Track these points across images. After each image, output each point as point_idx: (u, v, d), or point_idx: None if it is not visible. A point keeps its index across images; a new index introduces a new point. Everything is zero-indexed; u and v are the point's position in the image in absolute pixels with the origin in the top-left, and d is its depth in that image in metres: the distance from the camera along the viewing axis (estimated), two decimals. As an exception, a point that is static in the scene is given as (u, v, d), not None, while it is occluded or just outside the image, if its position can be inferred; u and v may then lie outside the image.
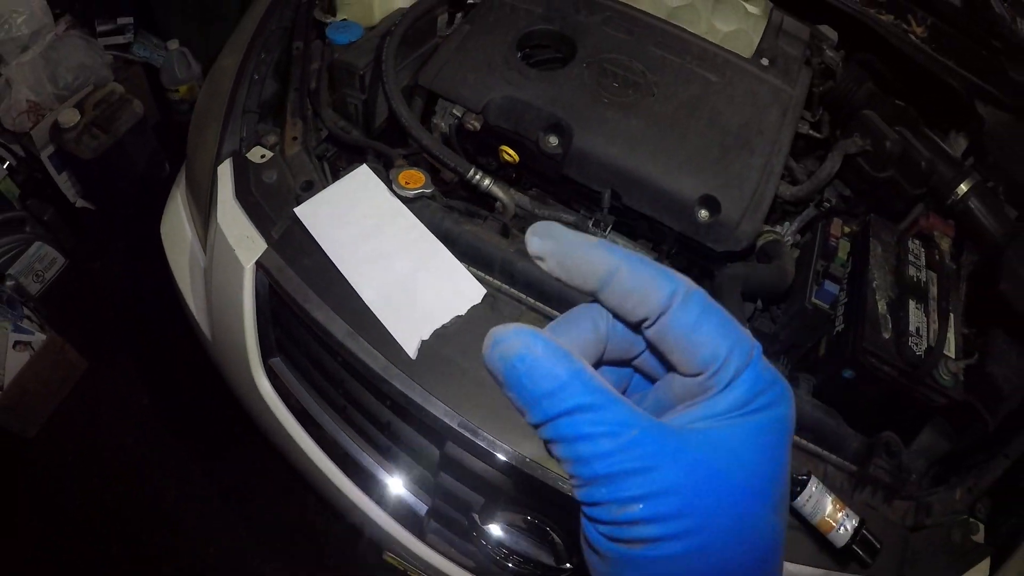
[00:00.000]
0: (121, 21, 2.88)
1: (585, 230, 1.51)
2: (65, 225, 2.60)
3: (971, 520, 1.23)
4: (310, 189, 1.36)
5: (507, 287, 1.29)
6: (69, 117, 2.46)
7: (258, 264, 1.28)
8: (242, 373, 1.41)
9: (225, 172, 1.43)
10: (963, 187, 1.56)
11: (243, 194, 1.37)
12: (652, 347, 0.39)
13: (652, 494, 0.32)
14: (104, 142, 2.55)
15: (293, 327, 1.30)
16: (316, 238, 1.25)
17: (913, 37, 1.79)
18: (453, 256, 1.24)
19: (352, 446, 1.36)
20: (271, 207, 1.35)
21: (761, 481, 0.35)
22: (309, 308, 1.21)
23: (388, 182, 1.32)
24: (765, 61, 1.65)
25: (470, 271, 1.23)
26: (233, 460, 2.14)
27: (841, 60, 1.83)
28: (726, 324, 0.36)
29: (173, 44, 2.79)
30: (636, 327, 0.38)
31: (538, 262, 0.38)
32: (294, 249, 1.27)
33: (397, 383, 1.15)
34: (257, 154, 1.45)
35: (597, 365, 0.40)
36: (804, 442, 1.21)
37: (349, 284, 1.21)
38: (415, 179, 1.29)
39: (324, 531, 2.02)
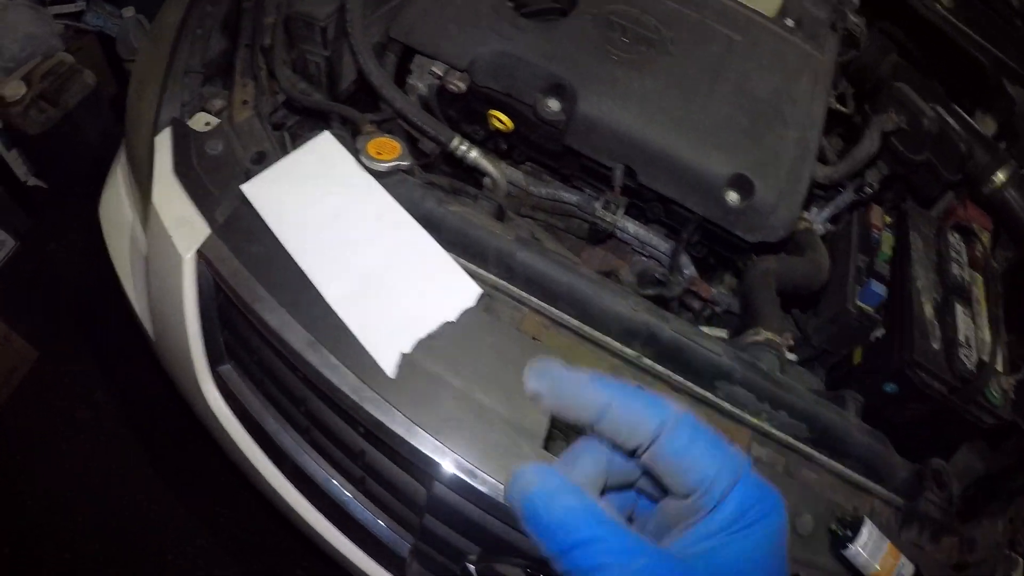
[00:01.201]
0: (73, -13, 2.47)
1: (591, 212, 1.21)
2: (16, 205, 2.24)
3: (1013, 555, 0.99)
4: (262, 162, 1.04)
5: (504, 283, 0.99)
6: (14, 90, 2.13)
7: (199, 253, 0.96)
8: (187, 380, 1.10)
9: (164, 143, 1.10)
10: (1000, 176, 1.28)
11: (183, 168, 1.05)
12: (647, 472, 0.39)
13: None
14: (53, 116, 2.21)
15: (244, 330, 0.99)
16: (268, 221, 0.94)
17: (939, 6, 1.50)
18: (439, 246, 0.93)
19: (318, 471, 1.06)
20: (215, 183, 1.03)
21: None
22: (259, 309, 0.90)
23: (356, 153, 1.00)
24: (790, 22, 1.36)
25: (460, 264, 0.93)
26: (197, 461, 1.82)
27: (865, 27, 1.53)
28: (714, 445, 0.36)
29: (128, 11, 2.40)
30: (632, 455, 0.38)
31: (535, 399, 0.38)
32: (241, 235, 0.96)
33: (371, 408, 0.85)
34: (200, 121, 1.12)
35: (603, 492, 0.40)
36: (853, 474, 0.95)
37: (309, 280, 0.90)
38: (388, 148, 0.97)
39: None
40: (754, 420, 0.92)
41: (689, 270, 1.27)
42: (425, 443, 0.82)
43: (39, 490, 1.77)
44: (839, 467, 0.95)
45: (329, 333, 0.87)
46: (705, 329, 1.16)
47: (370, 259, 0.92)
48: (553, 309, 1.00)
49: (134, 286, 1.22)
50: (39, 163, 2.29)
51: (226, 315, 1.01)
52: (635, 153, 1.14)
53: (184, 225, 0.99)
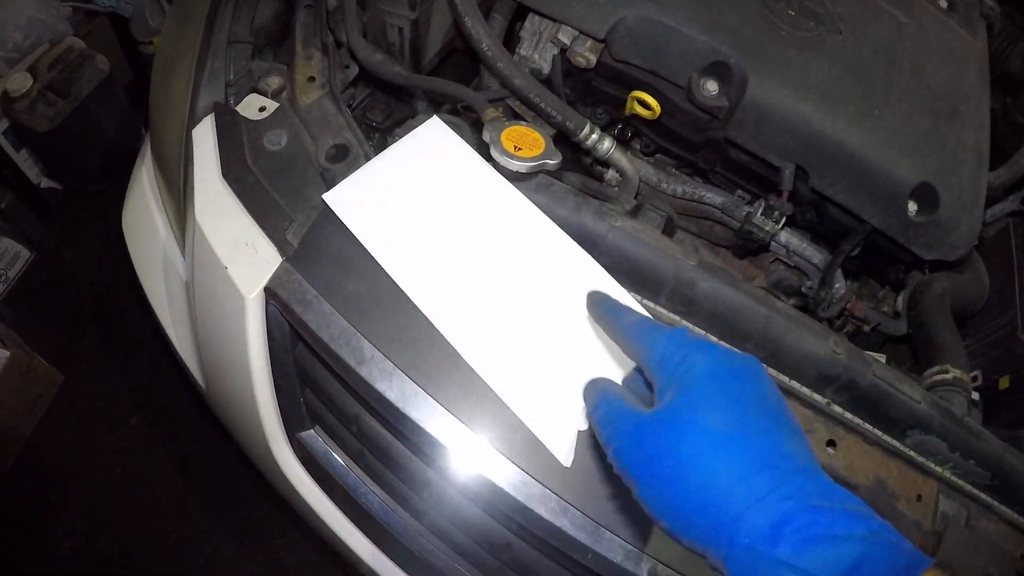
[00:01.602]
0: (80, -37, 2.15)
1: (741, 218, 0.94)
2: (29, 212, 1.95)
3: None
4: (343, 158, 0.74)
5: (684, 322, 0.70)
6: (19, 83, 1.83)
7: (267, 291, 0.67)
8: (255, 445, 0.81)
9: (204, 137, 0.81)
10: None
11: (235, 172, 0.75)
12: None
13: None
14: (63, 109, 1.91)
15: (338, 395, 0.70)
16: (366, 244, 0.65)
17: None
18: (613, 280, 0.64)
19: (437, 556, 0.77)
20: (282, 192, 0.73)
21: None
22: (367, 375, 0.61)
23: (478, 146, 0.70)
24: (944, 2, 1.07)
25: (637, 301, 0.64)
26: (239, 492, 1.55)
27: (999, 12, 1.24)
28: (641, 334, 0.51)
29: (143, -13, 2.08)
30: None
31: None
32: (327, 264, 0.67)
33: (545, 513, 0.56)
34: (253, 106, 0.83)
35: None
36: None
37: (434, 329, 0.61)
38: (529, 141, 0.68)
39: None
40: (941, 472, 0.78)
41: (840, 284, 1.00)
42: (615, 550, 0.55)
43: (73, 522, 1.51)
44: (1016, 517, 0.80)
45: (470, 405, 0.59)
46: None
47: (521, 300, 0.63)
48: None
49: (172, 320, 0.93)
50: (51, 162, 2.00)
51: (309, 372, 0.72)
52: (812, 152, 0.87)
53: (242, 251, 0.70)
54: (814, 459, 0.43)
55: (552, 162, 0.67)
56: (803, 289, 1.04)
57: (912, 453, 0.80)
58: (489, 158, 0.69)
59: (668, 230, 0.74)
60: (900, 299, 1.10)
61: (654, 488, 0.42)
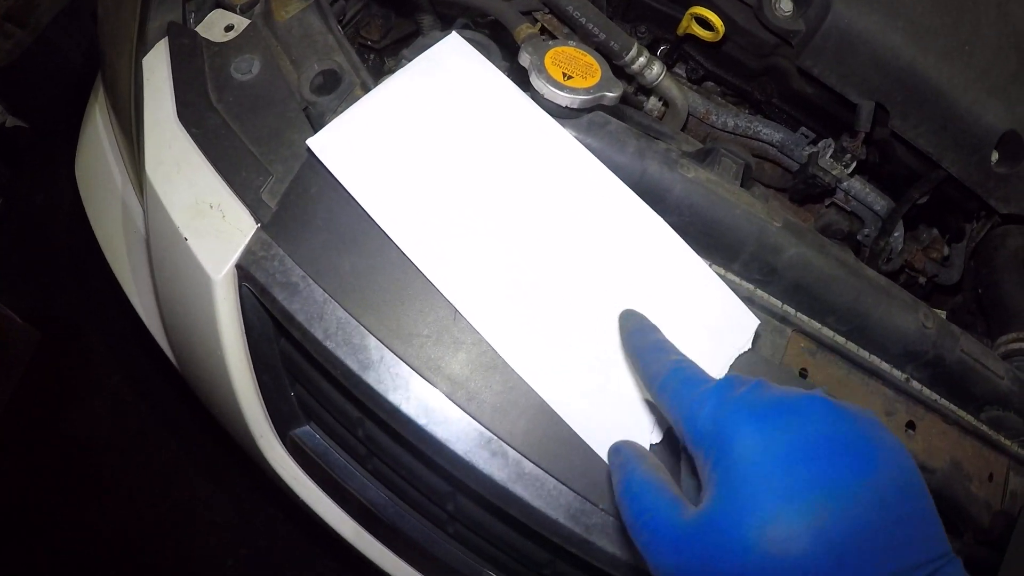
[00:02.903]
0: None
1: (796, 156, 0.77)
2: (-6, 154, 1.69)
3: None
4: (333, 89, 0.54)
5: (760, 292, 0.52)
6: None
7: (240, 271, 0.48)
8: (242, 440, 0.64)
9: (157, 67, 0.60)
10: None
11: (194, 112, 0.55)
12: None
13: None
14: (23, 40, 1.66)
15: (333, 392, 0.52)
16: (366, 206, 0.45)
17: None
18: (690, 249, 0.46)
19: (441, 547, 0.62)
20: (255, 136, 0.53)
21: None
22: (374, 381, 0.42)
23: (511, 71, 0.50)
24: None
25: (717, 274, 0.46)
26: (237, 454, 1.39)
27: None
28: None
29: None
30: None
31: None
32: (317, 232, 0.47)
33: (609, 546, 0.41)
34: (217, 25, 0.61)
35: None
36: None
37: (462, 319, 0.42)
38: (582, 67, 0.47)
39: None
40: (1014, 447, 0.68)
41: (899, 233, 0.85)
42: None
43: (61, 494, 1.35)
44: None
45: (512, 418, 0.42)
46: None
47: (569, 277, 0.44)
48: (818, 326, 0.56)
49: (136, 287, 0.74)
50: (14, 99, 1.73)
51: (300, 366, 0.53)
52: (898, 89, 0.69)
53: (206, 215, 0.50)
54: (945, 545, 0.30)
55: (612, 94, 0.47)
56: (859, 237, 0.87)
57: (987, 430, 0.69)
58: (526, 87, 0.49)
59: (746, 181, 0.55)
60: (952, 247, 0.95)
61: None
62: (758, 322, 0.48)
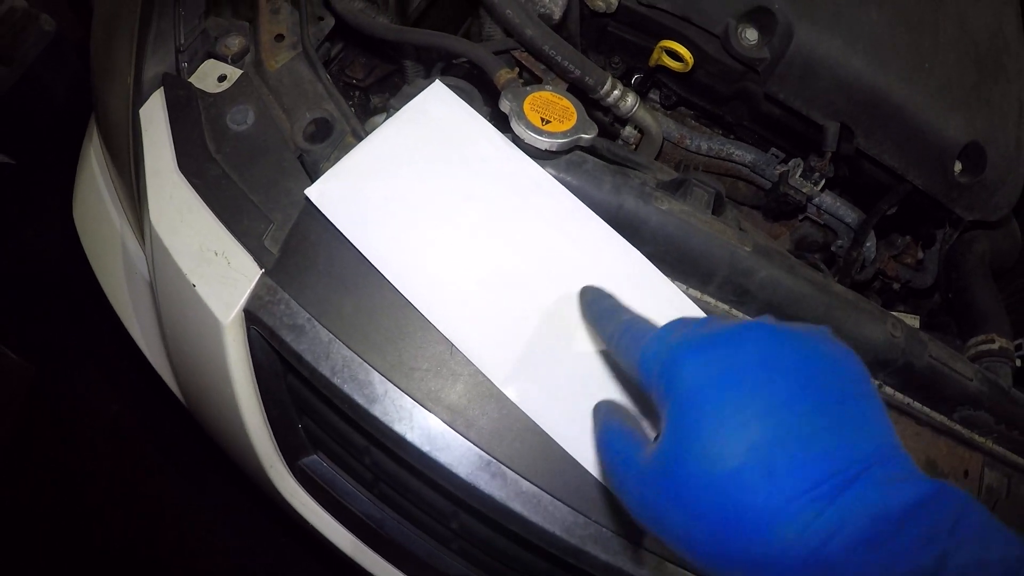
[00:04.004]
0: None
1: (768, 175, 0.83)
2: (-19, 188, 1.71)
3: None
4: (326, 137, 0.57)
5: (735, 311, 0.57)
6: None
7: (248, 315, 0.51)
8: (251, 470, 0.68)
9: (154, 118, 0.63)
10: None
11: (194, 162, 0.58)
12: None
13: None
14: (8, 77, 1.68)
15: (339, 423, 0.56)
16: (363, 250, 0.49)
17: None
18: (659, 272, 0.50)
19: (445, 562, 0.66)
20: (254, 184, 0.57)
21: None
22: (380, 413, 0.46)
23: (492, 116, 0.54)
24: None
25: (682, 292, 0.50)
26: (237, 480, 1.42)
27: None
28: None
29: (81, -68, 1.78)
30: None
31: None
32: (318, 276, 0.51)
33: (603, 555, 0.45)
34: (212, 75, 0.65)
35: None
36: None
37: (458, 352, 0.46)
38: (559, 111, 0.51)
39: None
40: (987, 443, 0.72)
41: (871, 243, 0.91)
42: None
43: (59, 522, 1.37)
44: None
45: (508, 442, 0.45)
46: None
47: (557, 309, 0.48)
48: None
49: (141, 329, 0.77)
50: (0, 135, 1.75)
51: (307, 400, 0.57)
52: (861, 109, 0.74)
53: (211, 263, 0.54)
54: (889, 440, 0.31)
55: (587, 136, 0.51)
56: (833, 248, 0.92)
57: (960, 428, 0.73)
58: (507, 131, 0.53)
59: (718, 209, 0.60)
60: (925, 252, 1.00)
61: (682, 547, 0.31)
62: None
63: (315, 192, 0.51)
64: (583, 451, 0.47)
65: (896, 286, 0.99)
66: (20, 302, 1.61)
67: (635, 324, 0.38)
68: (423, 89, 0.54)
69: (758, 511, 0.28)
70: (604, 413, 0.39)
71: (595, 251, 0.51)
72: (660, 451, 0.32)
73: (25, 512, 1.36)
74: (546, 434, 0.48)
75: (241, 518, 1.38)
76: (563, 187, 0.52)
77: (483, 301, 0.48)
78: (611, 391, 0.47)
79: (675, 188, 0.59)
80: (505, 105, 0.51)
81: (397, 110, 0.54)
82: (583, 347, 0.48)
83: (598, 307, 0.44)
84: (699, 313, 0.52)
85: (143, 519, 1.37)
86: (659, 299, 0.51)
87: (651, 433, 0.37)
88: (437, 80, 0.54)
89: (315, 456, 0.63)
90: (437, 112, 0.53)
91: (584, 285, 0.47)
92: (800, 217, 0.90)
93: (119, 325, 1.16)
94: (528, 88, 0.53)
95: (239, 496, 1.35)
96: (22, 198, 1.74)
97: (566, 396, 0.47)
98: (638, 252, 0.51)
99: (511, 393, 0.47)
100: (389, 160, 0.52)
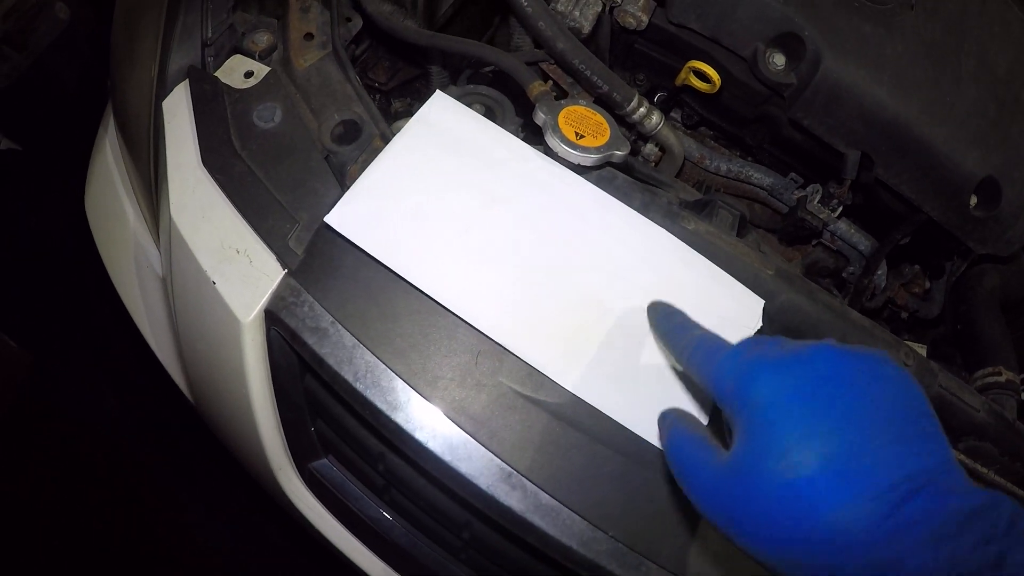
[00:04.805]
0: None
1: (786, 200, 0.81)
2: (-14, 174, 1.70)
3: None
4: (355, 138, 0.57)
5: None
6: None
7: (268, 315, 0.51)
8: (259, 472, 0.66)
9: (178, 111, 0.62)
10: None
11: (218, 158, 0.57)
12: None
13: None
14: (20, 64, 1.68)
15: (355, 427, 0.55)
16: (394, 267, 0.48)
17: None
18: (696, 253, 0.51)
19: (451, 571, 0.65)
20: (280, 183, 0.56)
21: None
22: (403, 421, 0.46)
23: (525, 127, 0.53)
24: None
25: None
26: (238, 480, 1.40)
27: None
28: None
29: (100, -78, 1.77)
30: None
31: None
32: (343, 279, 0.50)
33: (607, 563, 0.46)
34: (238, 71, 0.64)
35: None
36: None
37: (484, 362, 0.46)
38: (592, 126, 0.51)
39: None
40: (990, 475, 0.71)
41: (883, 271, 0.92)
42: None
43: (54, 511, 1.34)
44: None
45: (531, 455, 0.45)
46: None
47: (590, 292, 0.48)
48: None
49: (150, 324, 0.76)
50: (9, 122, 1.73)
51: (323, 403, 0.56)
52: (883, 140, 0.74)
53: (233, 261, 0.53)
54: (947, 456, 0.34)
55: (620, 152, 0.51)
56: (844, 275, 0.92)
57: (964, 459, 0.72)
58: (539, 143, 0.52)
59: (741, 231, 0.59)
60: (932, 283, 1.00)
61: (755, 544, 0.34)
62: (763, 301, 0.52)
63: (335, 218, 0.50)
64: (645, 425, 0.47)
65: (904, 315, 0.99)
66: (23, 290, 1.59)
67: (708, 340, 0.40)
68: (424, 101, 0.53)
69: (832, 511, 0.31)
70: (671, 421, 0.41)
71: (620, 234, 0.51)
72: (735, 457, 0.34)
73: (15, 499, 1.34)
74: (567, 448, 0.47)
75: (240, 516, 1.36)
76: (575, 174, 0.51)
77: (528, 300, 0.48)
78: (667, 373, 0.48)
79: (700, 208, 0.59)
80: (540, 117, 0.51)
81: (405, 125, 0.53)
82: (629, 329, 0.48)
83: (669, 323, 0.45)
84: (732, 281, 0.53)
85: (141, 516, 1.35)
86: (691, 272, 0.51)
87: (716, 440, 0.38)
88: (437, 91, 0.54)
89: (326, 460, 0.62)
90: (444, 121, 0.53)
91: (651, 301, 0.48)
92: (814, 243, 0.91)
93: (123, 317, 1.15)
94: (562, 102, 0.52)
95: (239, 494, 1.33)
96: (28, 185, 1.73)
97: (632, 387, 0.47)
98: (662, 229, 0.51)
99: (560, 379, 0.47)
100: (404, 175, 0.51)
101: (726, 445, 0.37)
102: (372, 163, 0.51)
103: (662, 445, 0.41)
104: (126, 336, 1.49)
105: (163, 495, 1.38)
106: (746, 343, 0.38)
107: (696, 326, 0.43)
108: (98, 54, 1.76)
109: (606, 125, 0.51)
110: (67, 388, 1.48)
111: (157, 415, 1.45)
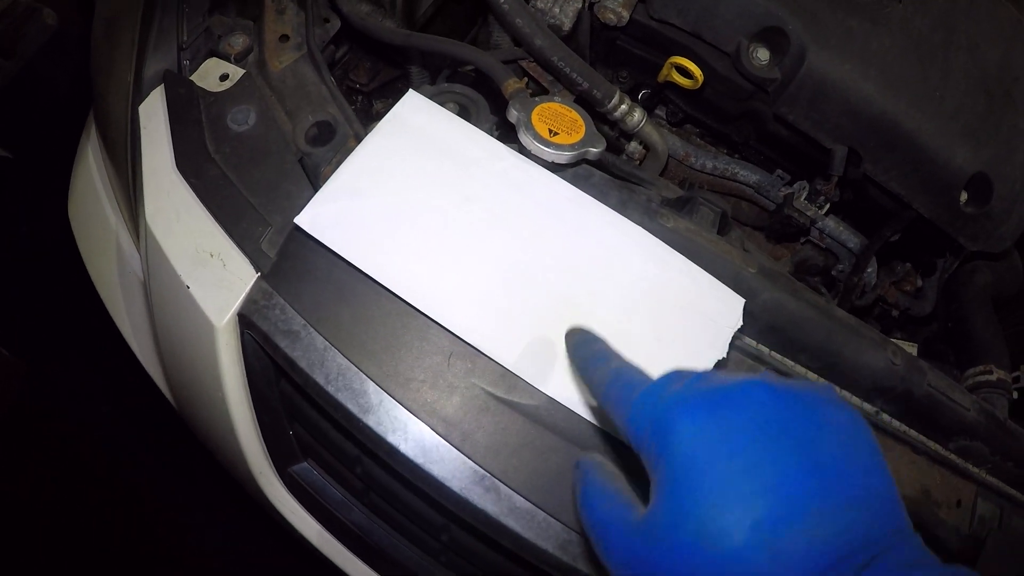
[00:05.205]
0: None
1: (772, 197, 0.81)
2: (-23, 182, 1.70)
3: None
4: (329, 139, 0.56)
5: (736, 332, 0.56)
6: None
7: (242, 319, 0.50)
8: (240, 476, 0.66)
9: (153, 116, 0.62)
10: None
11: (192, 162, 0.57)
12: None
13: None
14: (9, 69, 1.68)
15: (331, 431, 0.54)
16: (366, 269, 0.48)
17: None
18: (674, 252, 0.50)
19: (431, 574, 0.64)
20: (253, 187, 0.55)
21: None
22: (374, 423, 0.45)
23: (499, 125, 0.53)
24: None
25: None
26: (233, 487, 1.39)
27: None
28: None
29: (89, -72, 1.77)
30: None
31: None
32: (315, 282, 0.50)
33: (583, 567, 0.47)
34: (214, 74, 0.64)
35: None
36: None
37: (456, 364, 0.45)
38: (567, 124, 0.51)
39: None
40: (981, 474, 0.71)
41: (872, 269, 0.91)
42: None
43: (48, 519, 1.34)
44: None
45: (505, 457, 0.44)
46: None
47: (562, 292, 0.48)
48: (791, 363, 0.59)
49: (133, 328, 0.76)
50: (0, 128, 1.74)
51: (299, 407, 0.56)
52: (870, 135, 0.73)
53: (207, 264, 0.52)
54: (900, 521, 0.29)
55: (595, 150, 0.50)
56: (833, 272, 0.92)
57: (955, 458, 0.72)
58: (513, 141, 0.52)
59: (723, 229, 0.59)
60: (923, 280, 1.00)
61: None
62: (743, 300, 0.51)
63: (306, 220, 0.49)
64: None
65: (895, 313, 0.98)
66: (13, 298, 1.59)
67: (625, 373, 0.35)
68: (396, 101, 0.53)
69: None
70: (585, 470, 0.36)
71: (595, 232, 0.50)
72: (652, 518, 0.30)
73: (8, 507, 1.34)
74: (542, 450, 0.47)
75: (239, 517, 1.36)
76: (560, 178, 0.51)
77: (501, 301, 0.47)
78: None
79: (681, 206, 0.58)
80: (513, 115, 0.51)
81: (376, 125, 0.53)
82: (602, 330, 0.48)
83: (584, 352, 0.40)
84: (711, 279, 0.51)
85: (140, 516, 1.35)
86: (669, 272, 0.50)
87: (632, 496, 0.34)
88: (410, 90, 0.54)
89: (305, 463, 0.62)
90: (416, 120, 0.52)
91: (569, 327, 0.43)
92: (802, 240, 0.90)
93: (112, 324, 1.14)
94: (536, 99, 0.52)
95: (238, 495, 1.32)
96: (18, 192, 1.73)
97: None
98: (639, 227, 0.50)
99: (530, 378, 0.46)
100: (376, 175, 0.51)
101: (646, 498, 0.32)
102: (343, 163, 0.51)
103: (574, 495, 0.36)
104: (120, 341, 1.49)
105: (162, 495, 1.38)
106: (667, 377, 0.33)
107: (614, 356, 0.38)
108: (88, 60, 1.76)
109: (581, 122, 0.51)
110: (63, 393, 1.48)
111: (155, 416, 1.44)
